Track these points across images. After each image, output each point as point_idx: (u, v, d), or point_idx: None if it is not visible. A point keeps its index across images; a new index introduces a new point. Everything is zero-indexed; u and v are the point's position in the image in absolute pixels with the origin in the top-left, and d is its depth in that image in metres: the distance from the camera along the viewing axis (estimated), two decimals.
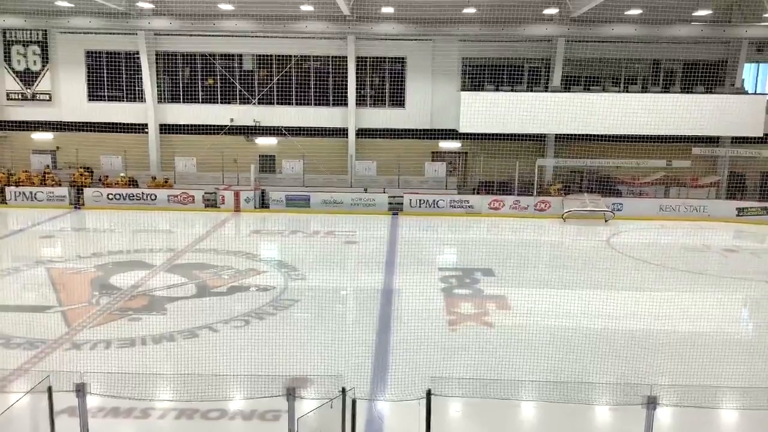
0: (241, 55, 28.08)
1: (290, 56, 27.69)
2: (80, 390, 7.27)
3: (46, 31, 27.28)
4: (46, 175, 26.95)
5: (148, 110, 27.77)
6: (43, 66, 27.80)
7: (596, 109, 24.33)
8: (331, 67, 27.99)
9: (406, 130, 27.74)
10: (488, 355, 11.40)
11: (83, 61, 27.70)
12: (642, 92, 26.24)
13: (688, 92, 25.99)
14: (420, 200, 26.06)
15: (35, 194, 26.08)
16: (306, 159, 28.04)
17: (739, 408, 9.40)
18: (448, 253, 21.61)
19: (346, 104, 27.74)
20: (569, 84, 27.17)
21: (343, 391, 7.17)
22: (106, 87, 28.05)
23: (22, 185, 26.39)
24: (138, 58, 27.27)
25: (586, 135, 25.46)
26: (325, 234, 22.44)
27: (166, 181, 27.39)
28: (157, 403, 9.20)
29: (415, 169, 27.87)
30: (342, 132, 27.98)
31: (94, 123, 27.45)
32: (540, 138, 27.64)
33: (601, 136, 25.16)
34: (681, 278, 17.44)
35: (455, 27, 25.43)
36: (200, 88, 28.23)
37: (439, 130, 27.92)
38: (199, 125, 27.72)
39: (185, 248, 19.98)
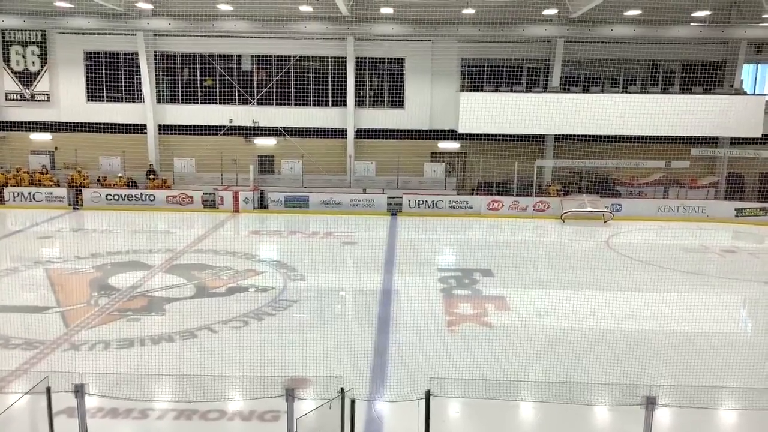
0: (240, 56, 28.08)
1: (289, 57, 27.70)
2: (79, 391, 7.26)
3: (45, 31, 27.25)
4: (42, 176, 26.90)
5: (146, 111, 27.76)
6: (42, 66, 27.78)
7: (595, 110, 24.34)
8: (330, 67, 28.00)
9: (405, 130, 27.73)
10: (487, 356, 11.39)
11: (82, 62, 27.68)
12: (641, 93, 26.24)
13: (686, 93, 25.98)
14: (419, 201, 26.05)
15: (33, 195, 26.05)
16: (305, 159, 28.04)
17: (738, 408, 9.41)
18: (447, 253, 21.61)
19: (345, 105, 27.74)
20: (568, 85, 27.20)
21: (342, 391, 7.16)
22: (104, 87, 28.02)
23: (22, 185, 26.35)
24: (137, 58, 27.26)
25: (585, 135, 25.47)
26: (324, 235, 22.43)
27: (164, 182, 27.37)
28: (155, 404, 9.19)
29: (414, 169, 27.88)
30: (341, 132, 27.99)
31: (92, 123, 27.40)
32: (539, 138, 27.65)
33: (600, 136, 25.17)
34: (679, 279, 17.44)
35: (454, 28, 25.44)
36: (199, 89, 28.23)
37: (438, 130, 27.94)
38: (197, 126, 27.71)
39: (184, 249, 19.96)
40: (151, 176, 27.49)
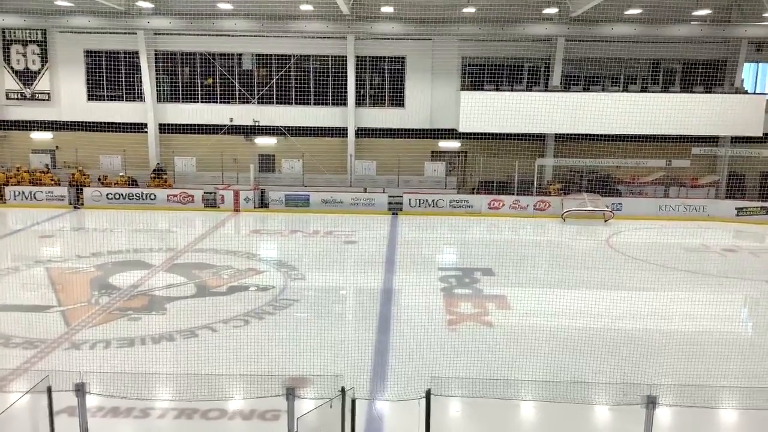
0: (240, 55, 28.06)
1: (290, 56, 27.68)
2: (80, 390, 7.26)
3: (45, 30, 27.24)
4: (43, 175, 26.93)
5: (147, 110, 27.75)
6: (43, 65, 27.78)
7: (596, 109, 24.32)
8: (330, 66, 27.97)
9: (405, 129, 27.73)
10: (488, 355, 11.39)
11: (82, 61, 27.67)
12: (641, 92, 26.23)
13: (687, 92, 25.99)
14: (419, 200, 26.06)
15: (34, 194, 26.06)
16: (305, 158, 28.04)
17: (739, 408, 9.40)
18: (448, 252, 21.61)
19: (345, 104, 27.73)
20: (569, 84, 27.17)
21: (343, 390, 7.16)
22: (105, 86, 28.00)
23: (22, 184, 26.39)
24: (137, 57, 27.25)
25: (586, 135, 25.48)
26: (325, 234, 22.44)
27: (165, 181, 27.37)
28: (156, 403, 9.19)
29: (415, 168, 27.88)
30: (341, 131, 27.97)
31: (93, 122, 27.38)
32: (539, 138, 27.63)
33: (601, 135, 25.19)
34: (680, 278, 17.44)
35: (455, 26, 25.43)
36: (200, 88, 28.20)
37: (438, 129, 27.89)
38: (198, 125, 27.72)
39: (185, 248, 19.97)
40: (152, 175, 27.48)
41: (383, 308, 14.15)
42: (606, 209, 25.09)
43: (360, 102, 28.13)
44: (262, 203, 26.60)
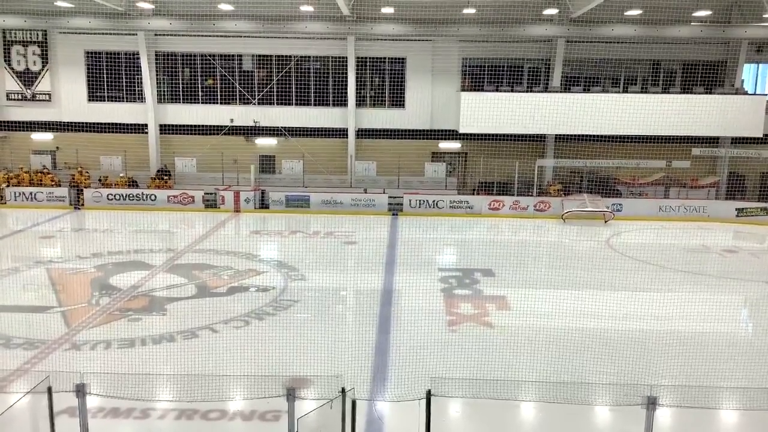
0: (240, 56, 28.07)
1: (290, 56, 27.69)
2: (80, 390, 7.27)
3: (45, 31, 27.27)
4: (44, 176, 26.96)
5: (147, 110, 27.76)
6: (43, 66, 27.79)
7: (596, 110, 24.35)
8: (330, 67, 27.99)
9: (406, 130, 27.73)
10: (488, 356, 11.39)
11: (83, 62, 27.69)
12: (642, 93, 26.23)
13: (687, 93, 25.98)
14: (420, 201, 26.06)
15: (35, 194, 26.08)
16: (306, 159, 28.05)
17: (739, 408, 9.41)
18: (448, 253, 21.62)
19: (345, 104, 27.74)
20: (569, 84, 27.17)
21: (343, 391, 7.17)
22: (105, 87, 28.02)
23: (22, 185, 26.42)
24: (138, 58, 27.26)
25: (586, 135, 25.48)
26: (325, 234, 22.44)
27: (165, 182, 27.38)
28: (157, 404, 9.20)
29: (415, 169, 27.88)
30: (342, 132, 27.98)
31: (93, 123, 27.39)
32: (540, 138, 27.63)
33: (601, 136, 25.19)
34: (680, 279, 17.45)
35: (455, 27, 25.41)
36: (200, 89, 28.22)
37: (438, 130, 27.92)
38: (198, 125, 27.71)
39: (185, 249, 19.98)
40: (156, 176, 27.49)
41: (383, 309, 14.16)
42: (606, 210, 25.09)
43: (360, 103, 28.14)
44: (263, 204, 26.61)
